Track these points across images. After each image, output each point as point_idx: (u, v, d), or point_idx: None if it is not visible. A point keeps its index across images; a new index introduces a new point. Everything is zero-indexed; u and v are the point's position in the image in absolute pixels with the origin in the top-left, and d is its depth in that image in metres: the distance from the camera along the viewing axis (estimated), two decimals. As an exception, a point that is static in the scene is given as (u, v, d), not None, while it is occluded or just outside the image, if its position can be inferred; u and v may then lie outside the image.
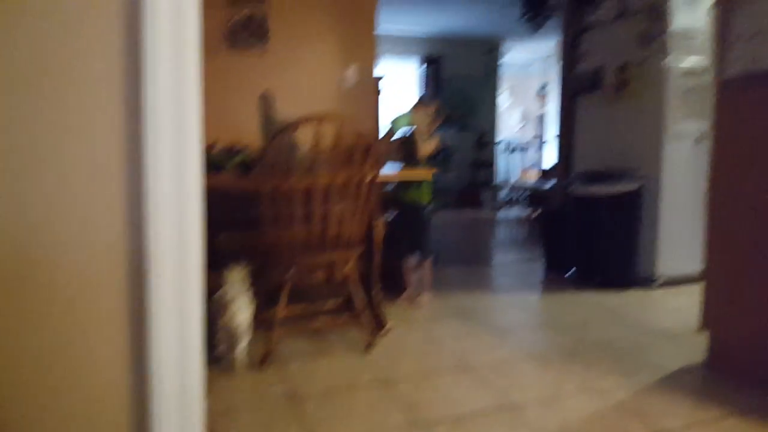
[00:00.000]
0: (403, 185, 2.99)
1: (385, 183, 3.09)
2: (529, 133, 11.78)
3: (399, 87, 8.52)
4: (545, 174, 6.61)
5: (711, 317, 2.16)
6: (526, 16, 7.08)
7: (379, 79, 5.59)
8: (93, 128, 1.12)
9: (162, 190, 0.96)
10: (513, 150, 10.04)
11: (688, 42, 3.16)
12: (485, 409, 1.82)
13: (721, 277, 2.11)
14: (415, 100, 3.21)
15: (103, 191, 1.11)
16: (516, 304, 3.05)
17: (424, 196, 3.00)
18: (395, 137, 3.06)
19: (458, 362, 2.22)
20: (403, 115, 2.86)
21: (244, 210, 2.75)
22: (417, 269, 3.12)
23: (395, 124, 3.05)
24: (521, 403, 1.86)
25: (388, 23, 7.52)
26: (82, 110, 1.11)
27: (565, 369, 2.14)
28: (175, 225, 0.96)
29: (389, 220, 3.16)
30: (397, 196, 3.09)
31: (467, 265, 4.11)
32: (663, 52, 3.12)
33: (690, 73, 3.16)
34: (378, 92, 4.70)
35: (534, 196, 6.20)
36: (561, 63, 4.31)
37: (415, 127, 2.96)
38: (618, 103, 3.43)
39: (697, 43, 3.18)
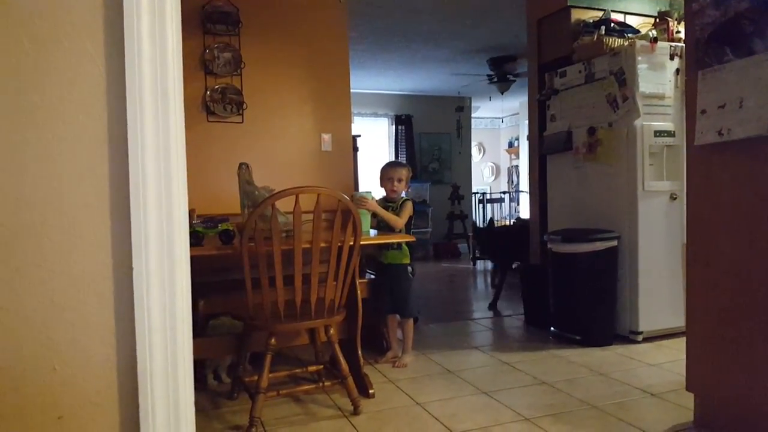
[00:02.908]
0: (383, 246, 3.01)
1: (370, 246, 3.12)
2: (502, 185, 12.06)
3: (372, 145, 8.68)
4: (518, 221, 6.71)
5: (696, 378, 2.18)
6: (492, 79, 7.41)
7: (356, 137, 5.71)
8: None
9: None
10: (488, 201, 10.22)
11: (657, 104, 3.32)
12: (478, 481, 1.77)
13: (704, 339, 2.14)
14: (386, 162, 3.26)
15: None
16: (499, 362, 3.03)
17: (405, 258, 3.01)
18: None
19: (446, 426, 2.17)
20: (365, 193, 2.91)
21: (224, 276, 2.73)
22: (399, 329, 3.10)
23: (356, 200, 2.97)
24: (514, 472, 1.82)
25: (360, 83, 7.75)
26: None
27: (553, 431, 2.11)
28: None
29: (369, 280, 3.16)
30: (376, 256, 3.10)
31: (447, 321, 4.09)
32: (632, 114, 3.27)
33: (660, 133, 3.31)
34: (354, 151, 4.79)
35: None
36: (530, 124, 4.47)
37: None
38: (590, 162, 3.55)
39: (666, 105, 3.35)
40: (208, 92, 3.50)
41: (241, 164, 2.43)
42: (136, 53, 0.88)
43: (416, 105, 8.89)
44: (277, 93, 3.67)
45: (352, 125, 4.13)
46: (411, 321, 3.06)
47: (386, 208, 3.03)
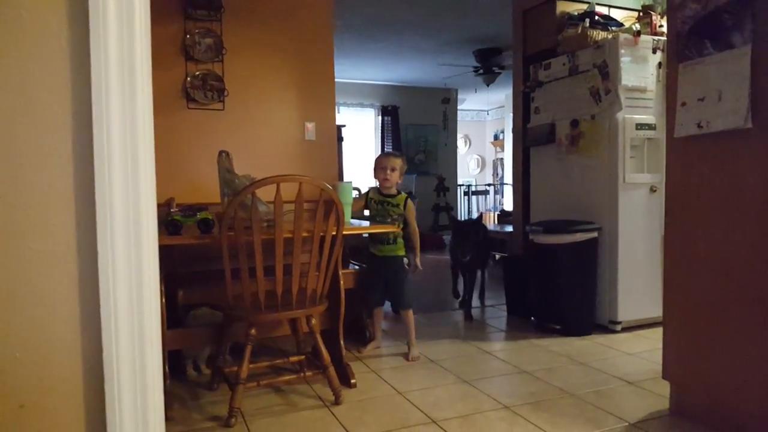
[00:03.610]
0: (378, 239, 2.98)
1: (354, 236, 3.11)
2: (488, 177, 12.10)
3: (358, 136, 8.65)
4: (504, 216, 6.75)
5: (672, 367, 2.21)
6: (478, 71, 7.41)
7: (341, 127, 5.67)
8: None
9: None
10: (473, 194, 10.25)
11: (639, 97, 3.35)
12: (457, 469, 1.79)
13: (680, 328, 2.17)
14: (381, 152, 3.22)
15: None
16: (481, 351, 3.05)
17: (400, 250, 2.99)
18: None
19: (427, 415, 2.19)
20: (346, 183, 2.88)
21: (204, 266, 2.71)
22: (398, 320, 3.07)
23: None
24: (492, 460, 1.84)
25: (346, 73, 7.69)
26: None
27: (532, 419, 2.13)
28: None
29: (355, 271, 3.15)
30: (368, 248, 3.07)
31: (431, 311, 4.10)
32: (614, 106, 3.29)
33: (641, 126, 3.34)
34: (339, 140, 4.75)
35: (493, 240, 6.30)
36: (514, 116, 4.48)
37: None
38: (572, 155, 3.58)
39: (647, 98, 3.37)
40: (189, 78, 3.45)
41: (221, 152, 2.40)
42: (102, 27, 0.84)
43: (403, 96, 8.86)
44: (259, 80, 3.62)
45: (338, 115, 4.09)
46: (411, 312, 3.01)
47: (383, 203, 2.98)
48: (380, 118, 8.67)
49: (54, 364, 0.95)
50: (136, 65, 0.82)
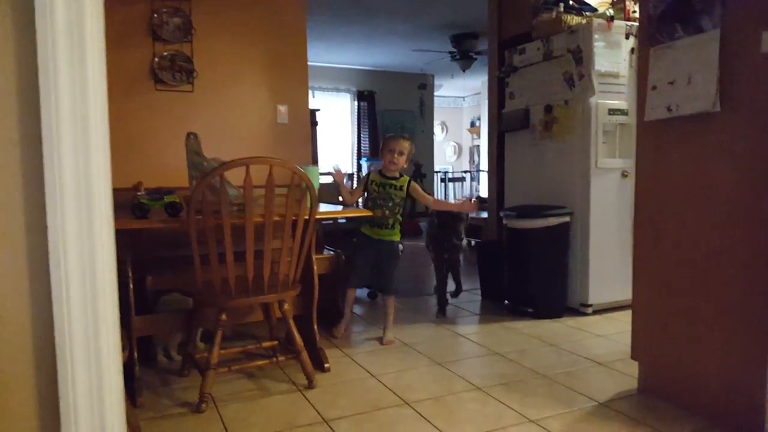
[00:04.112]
0: (377, 222, 2.90)
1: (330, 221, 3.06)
2: (464, 164, 12.15)
3: (334, 121, 8.58)
4: (480, 203, 6.78)
5: (640, 348, 2.25)
6: (454, 56, 7.40)
7: (315, 111, 5.61)
8: None
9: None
10: (450, 180, 10.28)
11: (612, 83, 3.37)
12: (428, 450, 1.80)
13: (648, 310, 2.21)
14: (390, 134, 3.06)
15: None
16: (454, 334, 3.07)
17: (396, 235, 2.95)
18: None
19: (400, 397, 2.19)
20: (313, 168, 2.80)
21: (173, 251, 2.65)
22: (382, 306, 3.01)
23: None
24: (464, 440, 1.85)
25: (321, 56, 7.60)
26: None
27: (504, 399, 2.15)
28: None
29: (343, 254, 3.09)
30: (363, 229, 2.99)
31: (405, 296, 4.11)
32: (587, 92, 3.31)
33: (614, 111, 3.37)
34: (313, 125, 4.69)
35: (470, 227, 6.34)
36: (489, 102, 4.48)
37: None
38: (546, 140, 3.59)
39: (620, 84, 3.40)
40: (156, 59, 3.36)
41: (189, 134, 2.34)
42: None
43: (379, 81, 8.80)
44: (230, 62, 3.54)
45: (313, 100, 4.04)
46: (393, 298, 3.00)
47: (385, 185, 2.90)
48: (356, 103, 8.60)
49: (1, 347, 0.91)
50: (86, 33, 0.78)
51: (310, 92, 4.83)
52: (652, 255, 2.18)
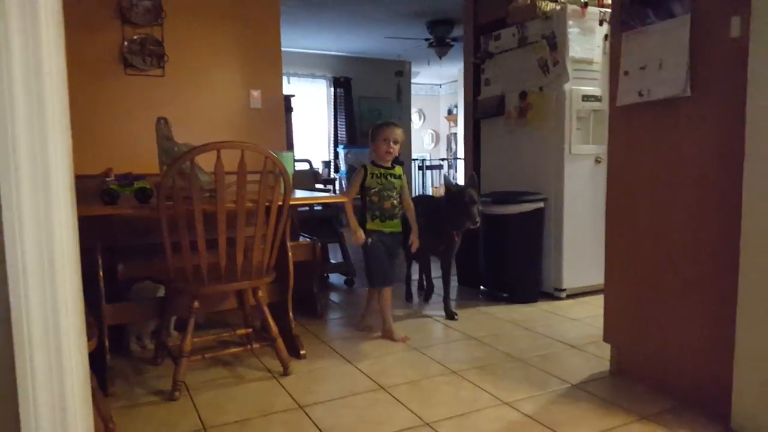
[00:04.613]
0: (387, 214, 2.77)
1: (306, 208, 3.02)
2: (442, 152, 12.17)
3: (310, 108, 8.49)
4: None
5: (612, 331, 2.29)
6: (430, 43, 7.37)
7: (289, 97, 5.54)
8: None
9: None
10: (427, 168, 10.30)
11: (586, 69, 3.39)
12: (401, 430, 1.80)
13: (620, 293, 2.25)
14: (383, 121, 2.84)
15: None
16: (431, 320, 3.09)
17: (399, 226, 2.86)
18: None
19: (376, 382, 2.19)
20: (288, 154, 2.72)
21: (145, 238, 2.60)
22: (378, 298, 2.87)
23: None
24: (437, 420, 1.86)
25: (296, 42, 7.49)
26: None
27: (478, 382, 2.18)
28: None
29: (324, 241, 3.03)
30: (373, 226, 2.78)
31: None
32: (562, 78, 3.33)
33: (588, 98, 3.39)
34: (288, 111, 4.63)
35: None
36: (465, 88, 4.48)
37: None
38: (521, 127, 3.61)
39: (594, 70, 3.42)
40: (126, 43, 3.27)
41: (159, 119, 2.29)
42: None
43: (355, 67, 8.72)
44: (201, 46, 3.47)
45: (289, 86, 3.99)
46: (389, 290, 2.86)
47: (386, 176, 2.76)
48: (332, 89, 8.51)
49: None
50: (39, 8, 0.74)
51: (285, 78, 4.76)
52: (624, 239, 2.21)
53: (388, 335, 2.77)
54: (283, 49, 3.89)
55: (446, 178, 3.50)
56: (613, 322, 2.29)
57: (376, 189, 2.76)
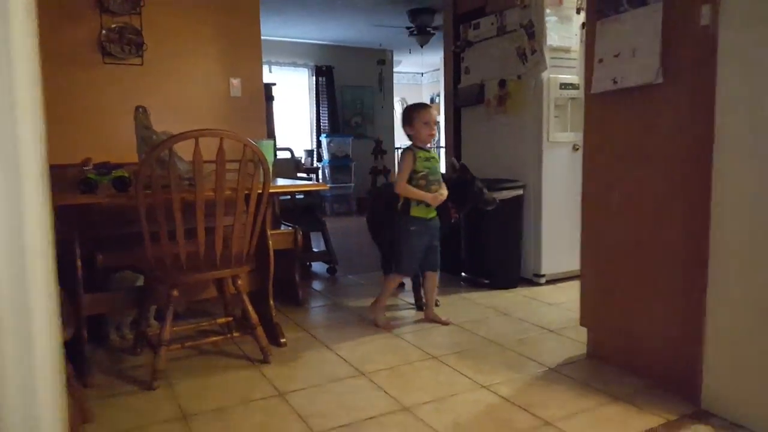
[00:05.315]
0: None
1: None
2: (424, 141, 12.17)
3: (291, 96, 8.43)
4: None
5: (588, 315, 2.34)
6: (411, 31, 7.35)
7: (270, 85, 5.49)
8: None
9: None
10: (409, 157, 10.27)
11: (563, 57, 3.42)
12: (380, 414, 1.83)
13: (595, 278, 2.30)
14: (418, 103, 2.78)
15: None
16: (413, 307, 3.11)
17: (435, 212, 2.78)
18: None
19: (356, 368, 2.22)
20: (268, 142, 2.69)
21: (125, 228, 2.58)
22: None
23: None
24: (415, 404, 1.89)
25: (277, 30, 7.42)
26: None
27: (457, 367, 2.21)
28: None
29: (307, 229, 3.06)
30: (416, 212, 2.70)
31: (365, 272, 4.13)
32: (540, 66, 3.35)
33: (565, 86, 3.43)
34: (269, 99, 4.60)
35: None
36: (445, 77, 4.49)
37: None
38: (500, 115, 3.64)
39: (571, 58, 3.45)
40: (104, 32, 3.22)
41: (137, 107, 2.27)
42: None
43: (337, 56, 8.67)
44: (180, 34, 3.43)
45: (270, 75, 3.96)
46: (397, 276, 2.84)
47: (430, 159, 2.69)
48: (314, 78, 8.46)
49: None
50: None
51: (267, 67, 4.73)
52: (598, 224, 2.26)
53: (435, 319, 2.81)
54: (264, 37, 3.86)
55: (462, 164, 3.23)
56: (588, 306, 2.34)
57: (424, 173, 2.65)
